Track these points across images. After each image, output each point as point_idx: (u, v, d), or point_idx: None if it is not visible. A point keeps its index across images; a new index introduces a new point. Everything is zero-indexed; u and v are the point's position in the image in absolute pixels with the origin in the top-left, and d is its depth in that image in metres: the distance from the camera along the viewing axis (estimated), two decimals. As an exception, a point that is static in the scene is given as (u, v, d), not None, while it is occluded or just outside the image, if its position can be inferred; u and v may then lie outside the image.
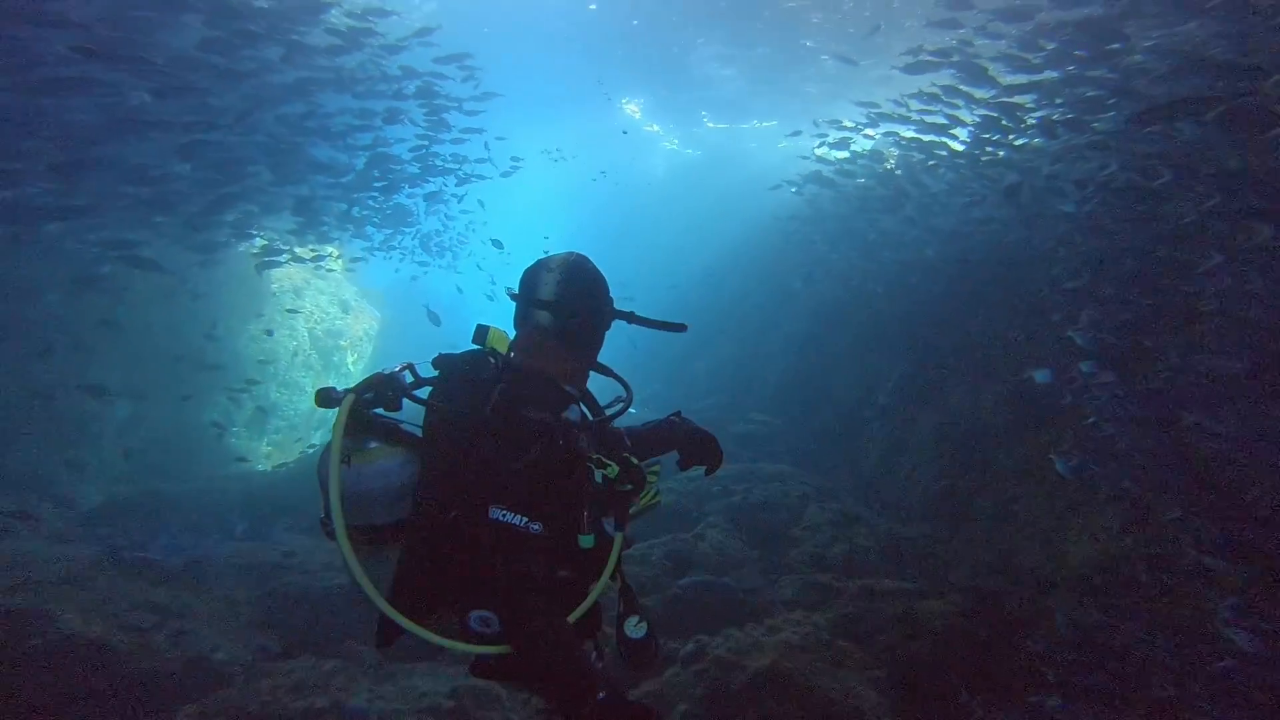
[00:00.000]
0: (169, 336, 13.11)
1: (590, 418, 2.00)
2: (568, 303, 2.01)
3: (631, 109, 25.89)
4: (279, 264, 15.43)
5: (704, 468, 2.35)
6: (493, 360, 1.94)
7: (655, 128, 28.24)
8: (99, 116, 8.88)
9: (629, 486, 1.84)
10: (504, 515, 1.72)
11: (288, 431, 19.57)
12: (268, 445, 18.28)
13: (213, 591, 6.44)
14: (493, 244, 16.07)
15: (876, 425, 10.21)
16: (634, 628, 1.90)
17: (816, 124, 14.62)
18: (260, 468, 15.40)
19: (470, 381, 1.89)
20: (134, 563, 6.00)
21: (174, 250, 11.98)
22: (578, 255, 2.13)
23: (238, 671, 5.21)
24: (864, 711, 4.55)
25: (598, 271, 2.12)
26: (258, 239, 14.99)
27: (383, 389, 1.79)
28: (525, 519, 1.72)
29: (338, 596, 6.65)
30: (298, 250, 15.96)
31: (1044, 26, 8.97)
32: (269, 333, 17.14)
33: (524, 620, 1.68)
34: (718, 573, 6.31)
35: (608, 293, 2.12)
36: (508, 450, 1.76)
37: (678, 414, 2.42)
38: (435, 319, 15.85)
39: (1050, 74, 9.09)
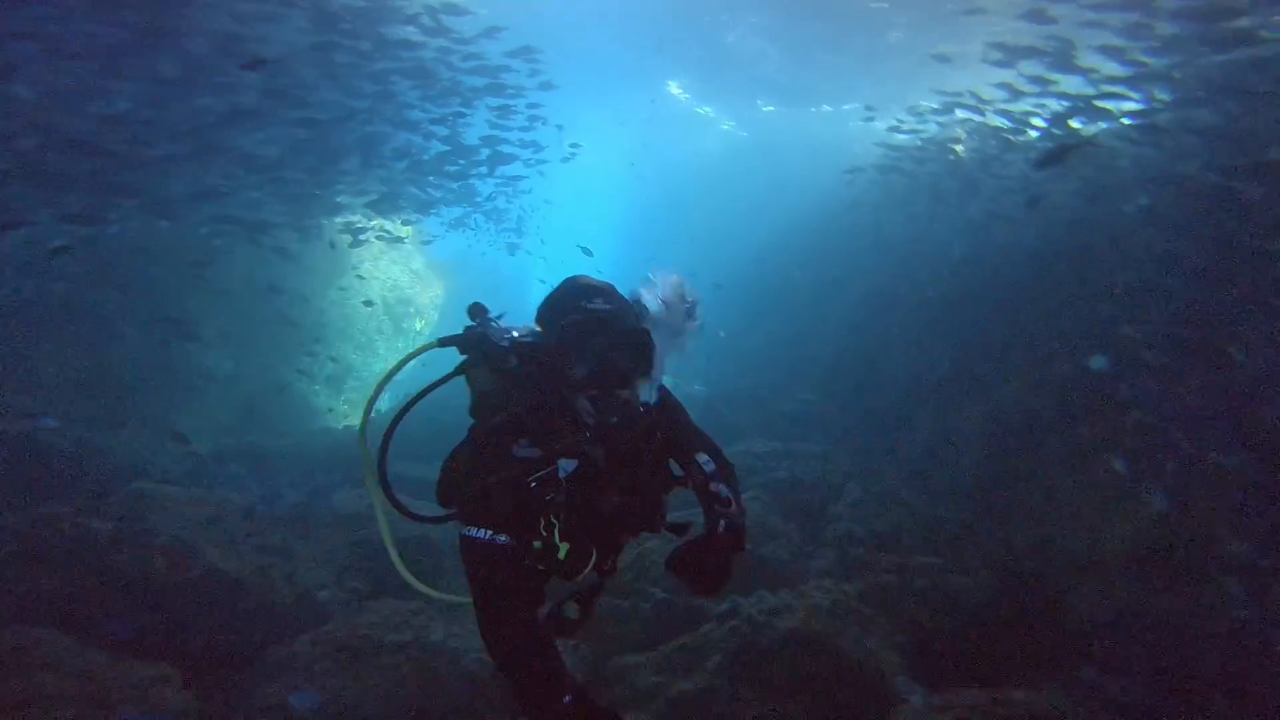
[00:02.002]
0: (265, 301, 14.45)
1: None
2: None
3: (676, 90, 25.65)
4: (364, 241, 16.76)
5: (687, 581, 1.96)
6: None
7: (708, 110, 27.95)
8: (224, 109, 10.09)
9: (540, 566, 1.87)
10: (471, 532, 1.83)
11: (362, 391, 21.06)
12: (344, 404, 19.76)
13: (312, 537, 7.37)
14: (582, 251, 16.55)
15: (925, 410, 10.33)
16: (570, 609, 2.02)
17: (870, 108, 14.39)
18: (338, 426, 16.75)
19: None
20: (252, 508, 7.00)
21: (274, 224, 13.23)
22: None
23: (337, 609, 6.03)
24: (884, 671, 4.85)
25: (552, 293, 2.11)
26: (340, 217, 16.25)
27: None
28: (490, 533, 1.80)
29: (414, 546, 7.47)
30: (378, 225, 17.20)
31: (1162, 12, 8.49)
32: (368, 302, 18.55)
33: (491, 626, 1.77)
34: (755, 544, 6.73)
35: (550, 314, 2.06)
36: (477, 471, 1.89)
37: (733, 527, 1.97)
38: None
39: (1154, 61, 8.69)
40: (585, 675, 4.99)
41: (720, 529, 1.92)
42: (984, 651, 5.57)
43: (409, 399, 2.31)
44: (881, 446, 10.49)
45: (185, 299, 12.20)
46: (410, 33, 10.43)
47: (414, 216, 18.33)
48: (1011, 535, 7.14)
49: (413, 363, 2.33)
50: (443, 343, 2.23)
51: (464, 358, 2.16)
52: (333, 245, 16.00)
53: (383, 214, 16.98)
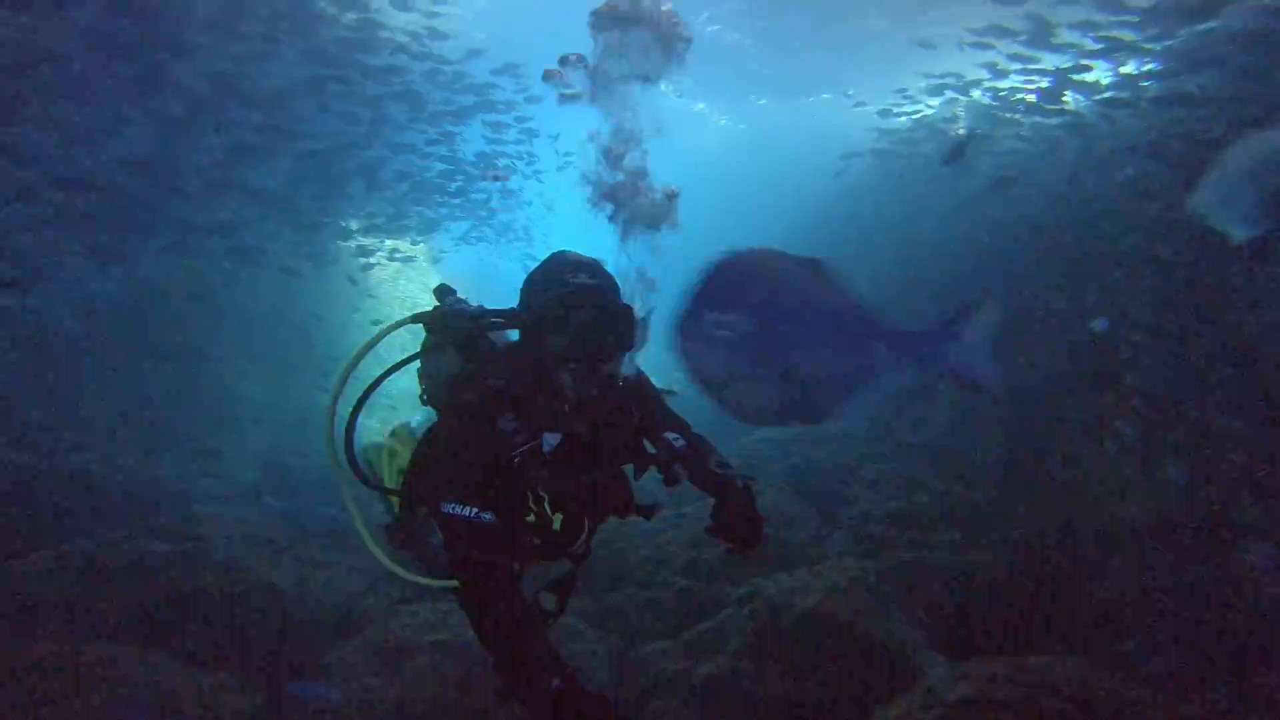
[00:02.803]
0: (288, 325, 14.92)
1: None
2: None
3: (665, 88, 25.73)
4: (375, 264, 17.32)
5: (731, 544, 2.06)
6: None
7: (701, 106, 28.04)
8: (228, 145, 10.54)
9: (535, 540, 1.92)
10: (453, 508, 1.77)
11: (389, 410, 21.58)
12: (376, 421, 20.29)
13: (346, 548, 7.68)
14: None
15: (942, 388, 10.34)
16: (546, 600, 2.05)
17: (849, 94, 14.45)
18: (373, 441, 17.25)
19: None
20: (290, 524, 7.40)
21: (287, 253, 13.72)
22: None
23: (378, 613, 6.37)
24: (905, 647, 4.86)
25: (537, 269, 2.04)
26: (352, 242, 16.79)
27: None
28: (474, 510, 1.75)
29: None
30: (388, 245, 17.70)
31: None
32: (376, 322, 19.16)
33: (477, 606, 1.74)
34: (774, 528, 6.91)
35: (533, 288, 1.99)
36: (462, 445, 1.85)
37: (748, 484, 2.11)
38: None
39: (1129, 35, 8.78)
40: (610, 665, 5.21)
41: (740, 485, 2.04)
42: (1007, 626, 5.64)
43: (376, 377, 2.37)
44: (897, 426, 10.52)
45: (214, 330, 12.75)
46: (400, 59, 10.92)
47: (419, 238, 18.89)
48: (1036, 511, 7.17)
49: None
50: (416, 319, 2.29)
51: (428, 338, 2.21)
52: (354, 282, 16.52)
53: (390, 235, 17.52)
